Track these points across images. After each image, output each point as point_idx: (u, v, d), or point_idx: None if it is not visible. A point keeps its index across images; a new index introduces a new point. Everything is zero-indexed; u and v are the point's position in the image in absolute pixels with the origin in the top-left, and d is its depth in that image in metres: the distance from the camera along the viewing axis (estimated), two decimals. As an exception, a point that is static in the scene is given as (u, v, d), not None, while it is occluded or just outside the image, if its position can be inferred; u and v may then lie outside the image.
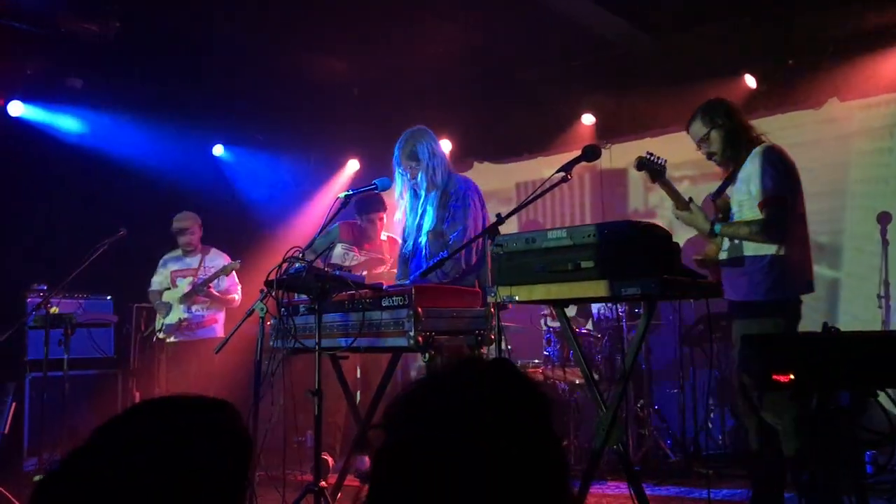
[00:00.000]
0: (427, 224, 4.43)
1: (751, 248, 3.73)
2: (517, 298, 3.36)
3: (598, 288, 3.08)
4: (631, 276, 3.02)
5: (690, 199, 3.88)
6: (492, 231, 3.53)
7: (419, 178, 4.41)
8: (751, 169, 3.76)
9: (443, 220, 4.37)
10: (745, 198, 3.77)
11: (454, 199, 4.36)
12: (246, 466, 1.35)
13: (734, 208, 3.85)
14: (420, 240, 4.48)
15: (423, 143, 4.43)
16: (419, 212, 4.49)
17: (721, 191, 3.96)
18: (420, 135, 4.47)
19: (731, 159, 3.91)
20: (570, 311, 5.72)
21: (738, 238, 3.76)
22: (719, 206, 3.92)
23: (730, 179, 3.91)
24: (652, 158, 3.82)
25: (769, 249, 3.68)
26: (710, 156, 3.97)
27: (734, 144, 3.87)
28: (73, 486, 1.23)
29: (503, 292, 3.38)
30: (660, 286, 2.98)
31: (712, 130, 3.89)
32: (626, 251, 3.04)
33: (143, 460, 1.23)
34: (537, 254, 3.27)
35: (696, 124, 3.95)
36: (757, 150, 3.79)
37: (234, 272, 6.58)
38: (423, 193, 4.44)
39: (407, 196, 4.55)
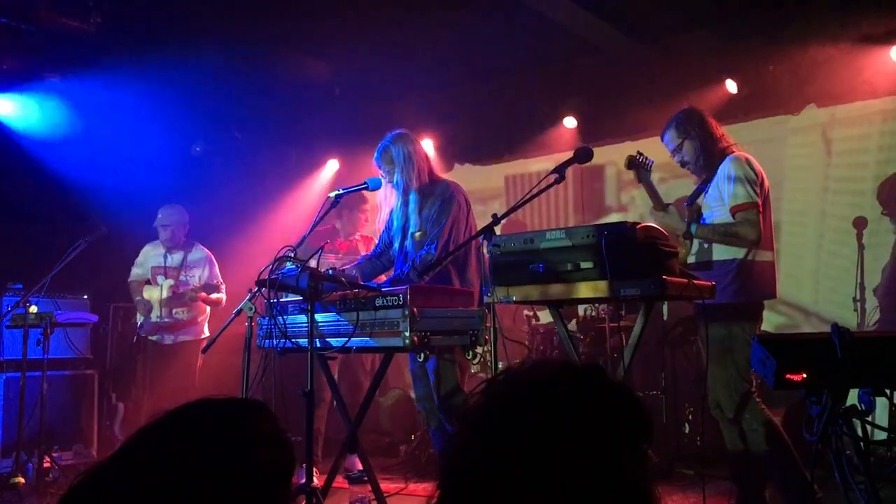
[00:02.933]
0: (411, 227, 4.46)
1: (719, 252, 3.87)
2: (514, 298, 3.37)
3: (598, 289, 3.10)
4: (630, 277, 3.03)
5: (668, 204, 3.98)
6: (487, 231, 3.54)
7: (395, 181, 4.44)
8: (722, 177, 3.88)
9: (427, 222, 4.39)
10: (717, 204, 3.89)
11: (438, 201, 4.37)
12: (286, 469, 1.32)
13: (706, 214, 3.96)
14: (406, 243, 4.50)
15: (399, 146, 4.45)
16: (404, 214, 4.51)
17: (694, 197, 4.09)
18: (397, 138, 4.50)
19: (704, 168, 4.05)
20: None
21: (713, 240, 3.88)
22: (692, 211, 4.03)
23: (703, 186, 4.04)
24: (641, 159, 3.93)
25: (737, 253, 3.83)
26: (683, 164, 4.13)
27: (706, 154, 4.01)
28: (102, 495, 1.21)
29: (500, 292, 3.39)
30: (660, 287, 3.00)
31: (685, 140, 4.04)
32: (626, 252, 3.05)
33: (176, 466, 1.21)
34: (535, 254, 3.27)
35: (671, 133, 4.10)
36: (727, 160, 3.91)
37: (217, 272, 6.51)
38: (401, 195, 4.47)
39: (391, 197, 4.56)
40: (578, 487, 0.98)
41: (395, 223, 4.59)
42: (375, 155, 4.53)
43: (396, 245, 4.59)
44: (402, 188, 4.44)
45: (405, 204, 4.50)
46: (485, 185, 8.36)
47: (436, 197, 4.40)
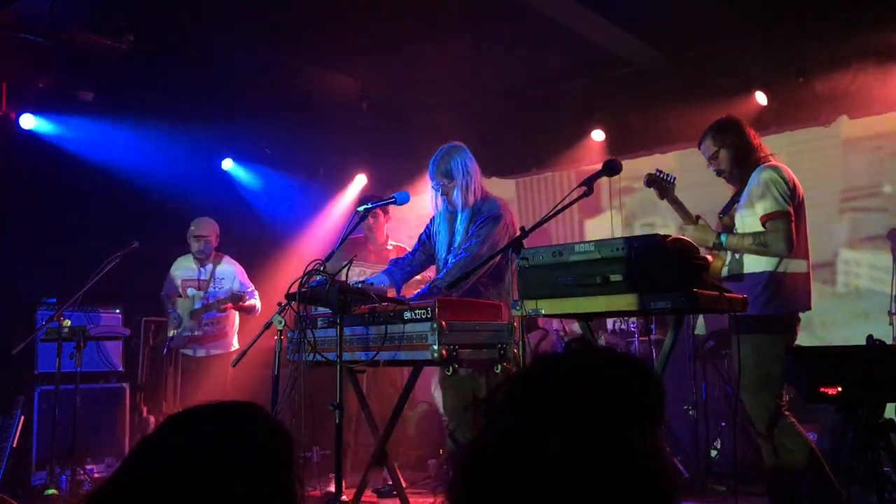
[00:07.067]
0: (457, 241, 4.37)
1: (751, 264, 3.85)
2: (543, 312, 3.35)
3: (627, 302, 3.06)
4: (660, 289, 3.00)
5: (698, 216, 3.95)
6: (516, 245, 3.52)
7: (454, 196, 4.34)
8: (753, 186, 3.87)
9: (470, 238, 4.30)
10: (749, 214, 3.88)
11: (485, 216, 4.29)
12: (285, 457, 1.35)
13: (738, 225, 3.94)
14: (449, 256, 4.39)
15: (458, 159, 4.35)
16: (452, 228, 4.44)
17: (727, 208, 4.06)
18: (455, 151, 4.39)
19: (738, 177, 4.03)
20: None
21: (744, 250, 3.86)
22: (725, 223, 4.02)
23: (737, 197, 4.02)
24: (661, 175, 3.93)
25: (769, 265, 3.81)
26: (719, 173, 4.10)
27: (742, 163, 3.99)
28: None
29: (529, 306, 3.37)
30: (690, 300, 2.95)
31: (721, 149, 4.01)
32: (655, 265, 3.02)
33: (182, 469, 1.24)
34: (564, 267, 3.24)
35: (707, 142, 4.08)
36: (759, 169, 3.90)
37: (248, 280, 6.54)
38: (458, 211, 4.38)
39: (442, 209, 4.47)
40: (587, 464, 1.01)
41: (440, 236, 4.50)
42: (431, 168, 4.40)
43: (442, 257, 4.49)
44: (460, 204, 4.33)
45: (453, 218, 4.41)
46: (510, 199, 8.34)
47: (484, 214, 4.31)
